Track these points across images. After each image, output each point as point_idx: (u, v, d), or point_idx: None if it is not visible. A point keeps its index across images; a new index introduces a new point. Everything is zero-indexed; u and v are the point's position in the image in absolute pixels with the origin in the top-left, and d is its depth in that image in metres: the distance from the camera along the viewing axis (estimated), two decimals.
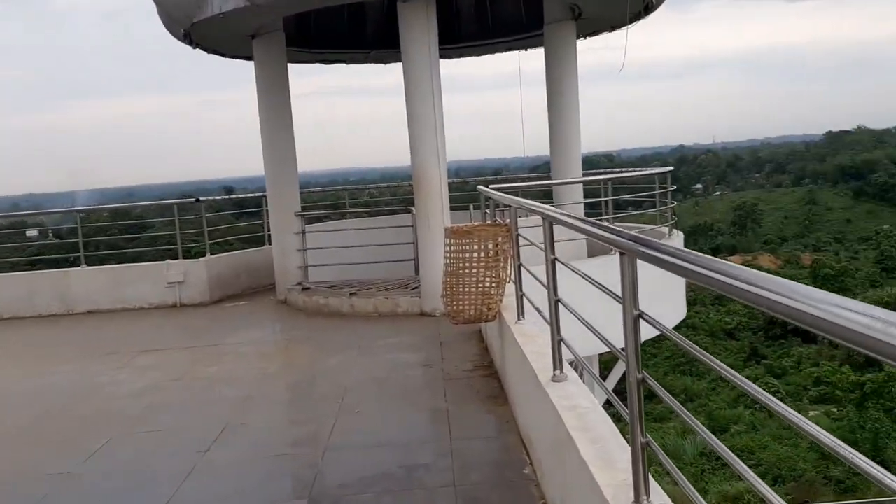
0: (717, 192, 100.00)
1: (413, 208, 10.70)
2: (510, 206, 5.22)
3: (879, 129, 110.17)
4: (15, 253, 12.95)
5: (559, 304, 3.69)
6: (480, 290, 5.50)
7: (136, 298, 10.60)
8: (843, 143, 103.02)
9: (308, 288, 9.94)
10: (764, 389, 1.77)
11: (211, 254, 10.99)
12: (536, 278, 4.54)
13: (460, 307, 5.54)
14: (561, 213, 3.76)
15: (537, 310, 4.81)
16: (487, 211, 7.19)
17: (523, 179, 13.37)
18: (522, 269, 5.12)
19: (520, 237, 5.41)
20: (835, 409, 38.16)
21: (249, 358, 7.36)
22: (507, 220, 5.59)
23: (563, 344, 3.75)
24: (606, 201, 9.62)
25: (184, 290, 10.64)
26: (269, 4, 8.41)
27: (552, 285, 3.75)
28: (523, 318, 5.05)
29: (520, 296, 5.05)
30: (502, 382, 5.68)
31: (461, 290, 5.51)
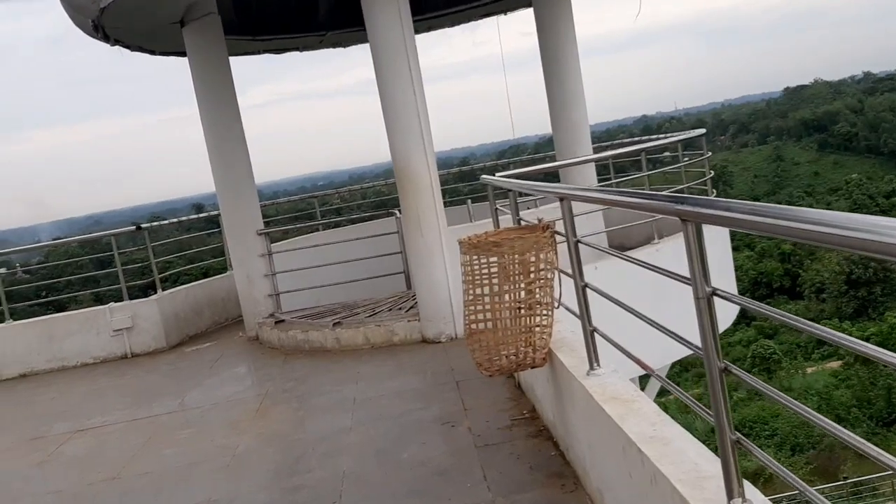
0: (687, 159, 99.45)
1: (397, 211, 9.08)
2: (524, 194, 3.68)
3: (836, 80, 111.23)
4: None
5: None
6: (520, 324, 3.87)
7: (78, 353, 8.83)
8: (802, 98, 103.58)
9: (282, 321, 8.25)
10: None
11: (163, 289, 9.25)
12: (606, 295, 3.14)
13: (492, 352, 3.90)
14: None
15: (617, 345, 3.24)
16: (500, 207, 5.58)
17: (516, 165, 11.72)
18: (582, 288, 3.50)
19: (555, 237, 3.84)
20: (840, 368, 37.07)
21: (213, 430, 5.66)
22: (543, 220, 3.96)
23: (595, 334, 3.40)
24: (638, 176, 8.08)
25: (134, 337, 8.89)
26: None
27: (577, 270, 3.37)
28: (598, 365, 3.43)
29: (589, 332, 3.42)
30: (562, 448, 4.07)
31: (492, 326, 3.87)
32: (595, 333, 3.43)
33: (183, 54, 8.46)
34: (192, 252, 14.45)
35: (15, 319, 8.99)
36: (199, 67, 8.17)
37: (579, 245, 3.44)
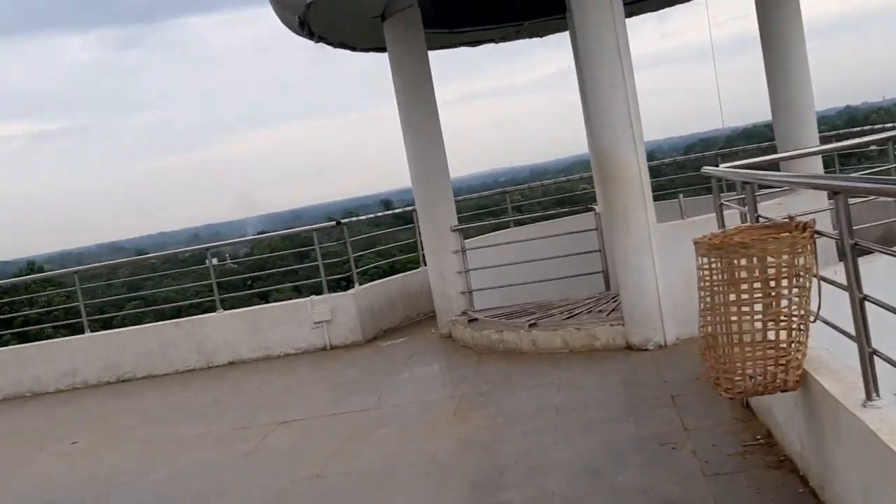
0: None
1: (595, 206, 8.58)
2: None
3: None
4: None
5: None
6: (769, 339, 3.30)
7: (281, 343, 9.11)
8: None
9: (475, 319, 8.03)
10: None
11: (359, 284, 9.36)
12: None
13: (734, 370, 3.36)
14: None
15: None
16: (727, 202, 4.96)
17: (707, 160, 10.73)
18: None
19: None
20: None
21: (410, 432, 5.50)
22: (795, 217, 3.36)
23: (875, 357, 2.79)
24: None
25: (332, 330, 9.05)
26: None
27: (854, 279, 2.80)
28: (877, 395, 2.81)
29: (868, 354, 2.81)
30: (813, 486, 3.44)
31: (735, 340, 3.33)
32: (875, 356, 2.81)
33: (382, 50, 8.46)
34: (383, 248, 14.69)
35: (225, 308, 9.44)
36: (398, 61, 8.12)
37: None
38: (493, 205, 14.49)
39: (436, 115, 8.37)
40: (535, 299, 8.39)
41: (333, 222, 9.85)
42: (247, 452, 5.62)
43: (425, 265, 9.61)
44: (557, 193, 15.01)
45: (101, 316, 12.61)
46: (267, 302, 14.21)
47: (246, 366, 8.94)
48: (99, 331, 10.47)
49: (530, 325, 7.32)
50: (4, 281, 20.50)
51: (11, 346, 10.42)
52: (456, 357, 7.63)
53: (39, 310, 22.46)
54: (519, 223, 11.21)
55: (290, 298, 14.74)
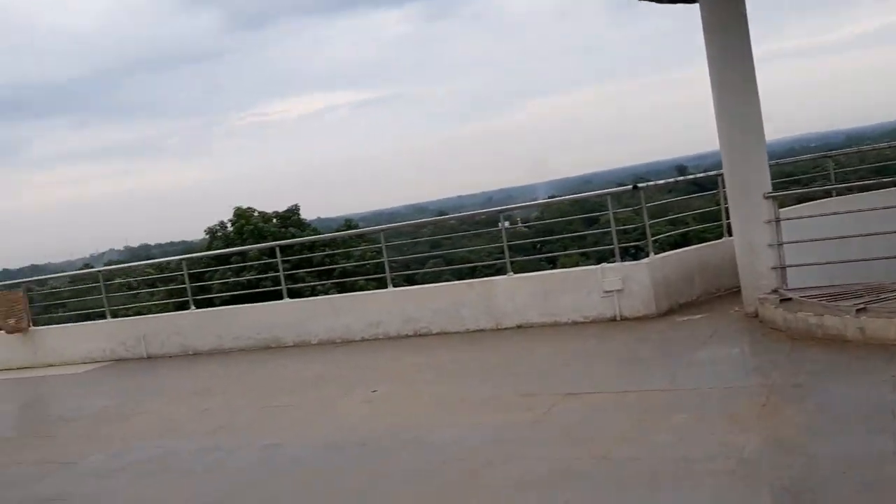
0: None
1: None
2: None
3: None
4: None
5: None
6: None
7: (569, 310, 8.89)
8: None
9: (789, 299, 7.11)
10: None
11: (654, 253, 8.80)
12: None
13: None
14: None
15: None
16: None
17: None
18: None
19: None
20: None
21: (711, 421, 4.95)
22: None
23: None
24: None
25: (623, 300, 8.62)
26: None
27: None
28: None
29: None
30: None
31: None
32: None
33: (692, 1, 7.74)
34: (675, 216, 13.79)
35: (515, 272, 9.44)
36: (711, 9, 7.35)
37: None
38: (800, 172, 12.89)
39: (752, 68, 7.48)
40: (862, 280, 7.23)
41: (629, 187, 9.35)
42: (532, 421, 5.49)
43: (728, 235, 8.76)
44: (875, 161, 12.92)
45: (406, 272, 13.40)
46: (555, 267, 14.13)
47: (533, 330, 8.88)
48: (403, 285, 11.09)
49: (858, 310, 6.28)
50: (326, 235, 22.89)
51: (328, 296, 11.49)
52: (763, 341, 6.83)
53: (354, 263, 24.77)
54: (843, 192, 9.79)
55: (578, 264, 14.54)
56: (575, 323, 8.79)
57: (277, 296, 10.98)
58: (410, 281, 13.35)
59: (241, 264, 19.38)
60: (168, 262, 20.05)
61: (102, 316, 12.39)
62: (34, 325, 12.69)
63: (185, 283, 12.34)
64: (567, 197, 17.04)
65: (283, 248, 12.20)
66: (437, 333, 9.51)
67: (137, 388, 9.55)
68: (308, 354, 9.79)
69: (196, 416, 7.45)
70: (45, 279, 16.76)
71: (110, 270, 15.15)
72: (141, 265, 19.41)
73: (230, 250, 23.13)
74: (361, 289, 13.59)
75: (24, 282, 13.51)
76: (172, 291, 16.77)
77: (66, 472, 6.12)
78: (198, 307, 11.81)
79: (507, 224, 11.15)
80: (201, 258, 16.34)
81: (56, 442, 7.33)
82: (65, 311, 14.35)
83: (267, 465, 5.57)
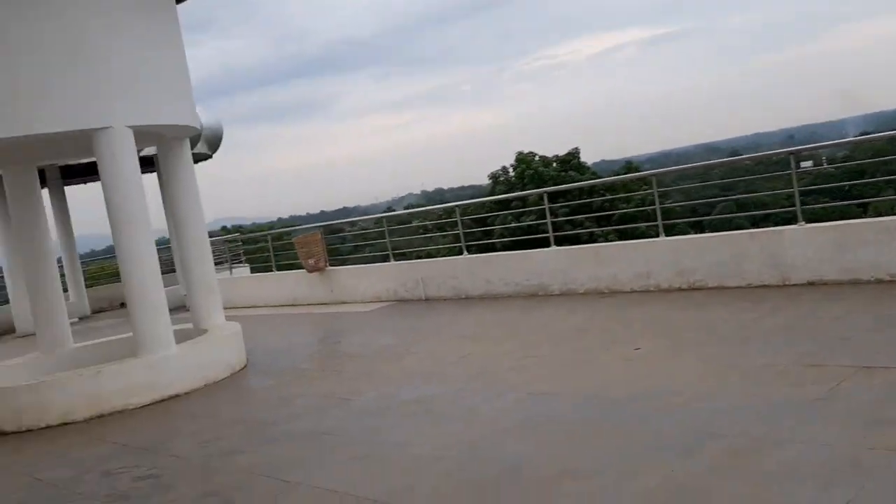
0: None
1: None
2: None
3: None
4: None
5: None
6: None
7: (871, 267, 7.67)
8: None
9: None
10: None
11: None
12: None
13: None
14: None
15: None
16: None
17: None
18: None
19: None
20: None
21: None
22: None
23: None
24: None
25: None
26: None
27: None
28: None
29: None
30: None
31: None
32: None
33: None
34: None
35: (811, 219, 8.34)
36: None
37: None
38: None
39: None
40: None
41: None
42: (815, 398, 4.76)
43: None
44: None
45: (690, 219, 12.56)
46: (865, 214, 12.34)
47: (828, 289, 7.80)
48: (689, 232, 10.37)
49: None
50: (607, 179, 22.31)
51: (594, 245, 11.14)
52: None
53: (634, 208, 23.97)
54: None
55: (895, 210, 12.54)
56: (879, 281, 7.58)
57: (547, 242, 10.88)
58: (698, 228, 12.51)
59: (520, 210, 19.63)
60: (444, 209, 20.88)
61: (387, 259, 13.27)
62: (330, 265, 13.97)
63: (457, 230, 12.74)
64: (883, 134, 14.70)
65: (552, 195, 12.04)
66: (714, 287, 8.78)
67: (411, 329, 10.07)
68: (572, 303, 9.59)
69: (458, 360, 7.63)
70: (341, 223, 18.39)
71: (391, 216, 16.15)
72: (417, 212, 20.49)
73: (491, 198, 23.68)
74: (643, 235, 13.05)
75: (321, 225, 14.91)
76: (450, 237, 17.50)
77: (342, 408, 6.58)
78: (474, 252, 12.15)
79: (809, 164, 9.89)
80: (468, 205, 16.77)
81: (340, 377, 7.95)
82: (356, 254, 15.64)
83: (517, 414, 5.50)
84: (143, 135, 9.21)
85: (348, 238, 18.01)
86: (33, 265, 9.80)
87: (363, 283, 13.23)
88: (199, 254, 9.77)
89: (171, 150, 9.64)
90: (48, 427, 7.62)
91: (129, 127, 8.15)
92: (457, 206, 13.42)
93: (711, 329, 7.17)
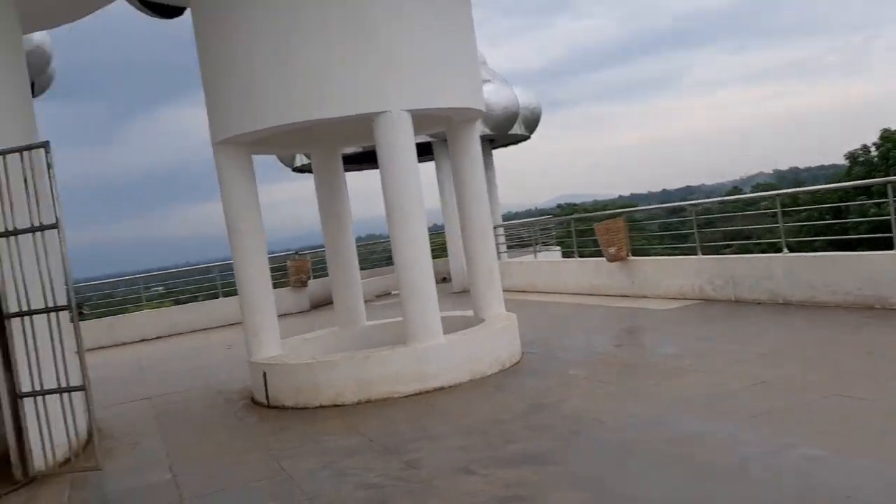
0: None
1: None
2: None
3: None
4: None
5: None
6: None
7: None
8: None
9: None
10: None
11: None
12: None
13: None
14: None
15: None
16: None
17: None
18: None
19: None
20: None
21: None
22: None
23: None
24: None
25: None
26: None
27: None
28: None
29: None
30: None
31: None
32: None
33: None
34: None
35: None
36: None
37: None
38: None
39: None
40: None
41: None
42: None
43: None
44: None
45: None
46: None
47: None
48: None
49: None
50: None
51: None
52: None
53: None
54: None
55: None
56: None
57: (889, 244, 8.68)
58: None
59: (876, 201, 16.44)
60: (683, 206, 18.17)
61: (694, 252, 11.81)
62: (633, 254, 12.89)
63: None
64: None
65: None
66: None
67: (706, 338, 8.67)
68: None
69: (749, 388, 6.25)
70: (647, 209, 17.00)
71: (699, 204, 14.37)
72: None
73: (813, 188, 19.91)
74: None
75: (624, 211, 13.83)
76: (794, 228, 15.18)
77: (584, 436, 5.68)
78: (793, 250, 10.25)
79: None
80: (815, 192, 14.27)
81: (604, 391, 7.01)
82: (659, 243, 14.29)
83: (797, 482, 4.15)
84: (428, 118, 9.08)
85: (672, 225, 16.57)
86: (332, 243, 10.35)
87: (666, 276, 11.94)
88: (483, 240, 9.45)
89: (459, 133, 9.38)
90: (321, 407, 7.82)
91: (407, 111, 7.98)
92: (777, 194, 11.38)
93: None
